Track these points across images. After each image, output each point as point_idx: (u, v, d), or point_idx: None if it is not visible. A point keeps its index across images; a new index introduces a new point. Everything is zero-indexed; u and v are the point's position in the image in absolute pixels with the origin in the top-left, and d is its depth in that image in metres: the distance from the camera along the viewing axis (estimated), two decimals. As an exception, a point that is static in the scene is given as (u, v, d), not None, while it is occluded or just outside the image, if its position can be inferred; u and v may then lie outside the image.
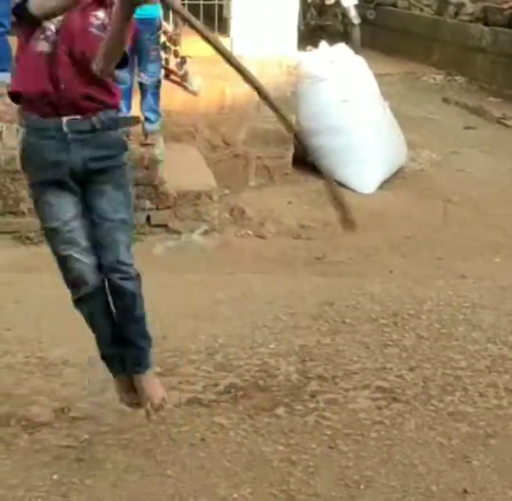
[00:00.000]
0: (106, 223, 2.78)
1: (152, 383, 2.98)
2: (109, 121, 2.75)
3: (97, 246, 2.80)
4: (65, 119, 2.69)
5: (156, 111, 6.06)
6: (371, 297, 4.50)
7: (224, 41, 6.89)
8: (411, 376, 3.64)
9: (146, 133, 5.98)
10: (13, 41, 5.82)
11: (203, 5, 6.93)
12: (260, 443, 3.07)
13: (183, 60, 6.33)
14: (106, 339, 2.94)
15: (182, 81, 6.42)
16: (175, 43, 6.06)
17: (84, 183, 2.78)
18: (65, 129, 2.69)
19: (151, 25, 5.72)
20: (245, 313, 4.32)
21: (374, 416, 3.31)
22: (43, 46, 2.62)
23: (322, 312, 4.30)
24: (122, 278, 2.83)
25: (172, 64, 6.47)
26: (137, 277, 2.89)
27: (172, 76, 6.40)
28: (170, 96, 6.41)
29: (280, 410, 3.31)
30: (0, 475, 2.85)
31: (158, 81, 6.03)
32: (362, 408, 3.36)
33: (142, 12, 5.56)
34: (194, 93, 6.51)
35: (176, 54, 6.25)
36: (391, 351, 3.87)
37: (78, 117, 2.69)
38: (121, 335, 2.94)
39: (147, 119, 6.01)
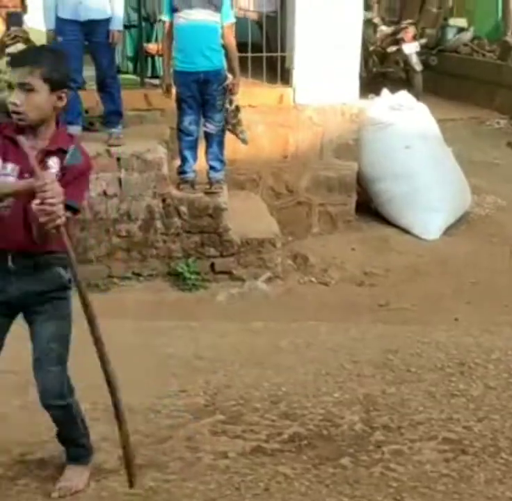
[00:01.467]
0: (37, 352, 2.92)
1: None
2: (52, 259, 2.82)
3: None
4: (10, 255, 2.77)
5: (221, 160, 6.17)
6: (436, 345, 4.44)
7: (287, 91, 7.04)
8: (479, 427, 3.55)
9: (211, 182, 6.09)
10: (85, 95, 6.09)
11: (266, 57, 7.07)
12: (324, 494, 3.03)
13: (237, 109, 6.45)
14: None
15: (232, 130, 6.52)
16: (232, 92, 6.19)
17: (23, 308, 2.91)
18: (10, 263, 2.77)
19: (219, 76, 5.89)
20: (309, 361, 4.30)
21: (441, 468, 3.23)
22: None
23: (386, 360, 4.26)
24: (54, 413, 3.03)
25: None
26: (67, 407, 3.05)
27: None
28: (234, 144, 6.53)
29: (345, 460, 3.26)
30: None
31: (223, 130, 6.16)
32: (429, 460, 3.29)
33: (210, 64, 5.78)
34: (244, 142, 6.61)
35: (231, 103, 6.37)
36: (458, 401, 3.79)
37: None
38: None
39: (212, 168, 6.12)
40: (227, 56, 5.90)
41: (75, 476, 3.09)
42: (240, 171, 6.86)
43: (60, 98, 2.66)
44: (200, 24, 5.70)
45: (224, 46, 5.86)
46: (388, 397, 3.83)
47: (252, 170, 7.03)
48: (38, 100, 2.60)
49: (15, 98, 2.60)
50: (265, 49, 7.20)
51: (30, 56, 2.72)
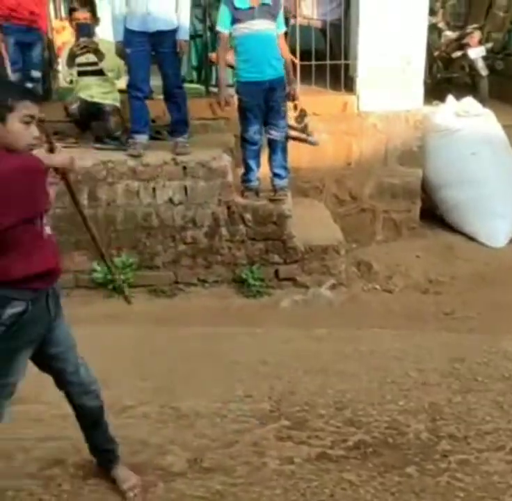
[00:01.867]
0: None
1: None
2: None
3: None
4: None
5: (285, 167, 6.21)
6: (504, 354, 4.39)
7: (350, 99, 7.05)
8: (548, 438, 3.51)
9: (276, 189, 6.13)
10: (152, 105, 6.22)
11: (330, 65, 7.10)
12: (390, 502, 3.04)
13: (303, 113, 6.48)
14: None
15: (301, 134, 6.55)
16: (294, 98, 6.23)
17: None
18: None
19: (282, 82, 5.94)
20: (373, 368, 4.30)
21: (509, 479, 3.20)
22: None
23: (452, 369, 4.23)
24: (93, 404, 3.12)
25: (290, 119, 6.62)
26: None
27: (290, 132, 6.54)
28: (297, 152, 6.56)
29: (411, 469, 3.26)
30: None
31: (286, 137, 6.20)
32: (496, 471, 3.26)
33: (275, 72, 5.83)
34: (314, 144, 6.63)
35: (296, 108, 6.41)
36: (526, 412, 3.75)
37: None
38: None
39: (277, 175, 6.17)
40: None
41: (130, 474, 3.22)
42: (304, 179, 6.89)
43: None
44: (264, 33, 5.76)
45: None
46: (454, 406, 3.81)
47: (315, 177, 7.05)
48: None
49: None
50: (329, 57, 7.22)
51: None
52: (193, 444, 3.54)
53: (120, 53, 5.91)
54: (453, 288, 6.08)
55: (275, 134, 6.07)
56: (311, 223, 6.43)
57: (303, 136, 6.57)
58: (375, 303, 5.87)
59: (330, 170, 7.08)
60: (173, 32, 5.78)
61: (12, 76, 5.99)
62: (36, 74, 6.28)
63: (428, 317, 5.58)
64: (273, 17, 5.79)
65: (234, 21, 5.73)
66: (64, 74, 6.23)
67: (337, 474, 3.24)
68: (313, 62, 6.98)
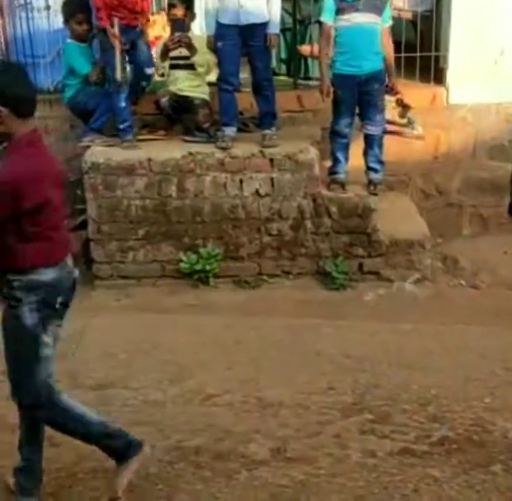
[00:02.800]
0: None
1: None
2: None
3: None
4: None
5: (381, 162, 6.20)
6: None
7: (440, 91, 6.94)
8: None
9: (374, 183, 6.13)
10: (240, 97, 6.28)
11: (420, 56, 7.00)
12: (475, 500, 3.02)
13: (406, 108, 6.43)
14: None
15: (404, 129, 6.51)
16: (394, 92, 6.17)
17: None
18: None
19: (378, 77, 5.91)
20: (459, 365, 4.26)
21: None
22: None
23: (541, 368, 4.15)
24: None
25: (392, 114, 6.57)
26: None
27: (388, 126, 6.49)
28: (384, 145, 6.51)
29: (496, 468, 3.23)
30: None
31: (384, 131, 6.17)
32: None
33: (370, 66, 5.81)
34: (419, 137, 6.58)
35: (397, 103, 6.36)
36: None
37: None
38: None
39: (372, 169, 6.16)
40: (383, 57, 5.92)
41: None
42: (389, 172, 6.80)
43: (23, 116, 2.71)
44: (365, 27, 5.73)
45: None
46: (543, 406, 3.74)
47: (401, 171, 6.97)
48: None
49: None
50: (419, 49, 7.11)
51: None
52: (277, 433, 3.59)
53: (211, 47, 5.99)
54: (543, 286, 5.94)
55: (372, 129, 6.04)
56: (396, 217, 6.37)
57: (406, 131, 6.54)
58: (460, 299, 5.78)
59: (416, 164, 6.98)
60: (264, 25, 5.82)
61: (121, 76, 6.00)
62: (149, 71, 6.29)
63: (515, 315, 5.46)
64: (379, 10, 5.75)
65: (337, 11, 5.73)
66: (156, 67, 6.34)
67: (420, 470, 3.23)
68: (403, 55, 6.89)
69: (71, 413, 2.99)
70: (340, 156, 6.09)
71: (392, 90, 6.19)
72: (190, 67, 6.19)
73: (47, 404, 2.95)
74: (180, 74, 6.21)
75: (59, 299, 2.89)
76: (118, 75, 5.91)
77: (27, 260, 2.80)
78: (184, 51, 6.13)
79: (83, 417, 3.01)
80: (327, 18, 5.83)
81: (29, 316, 2.83)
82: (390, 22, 5.97)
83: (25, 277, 2.81)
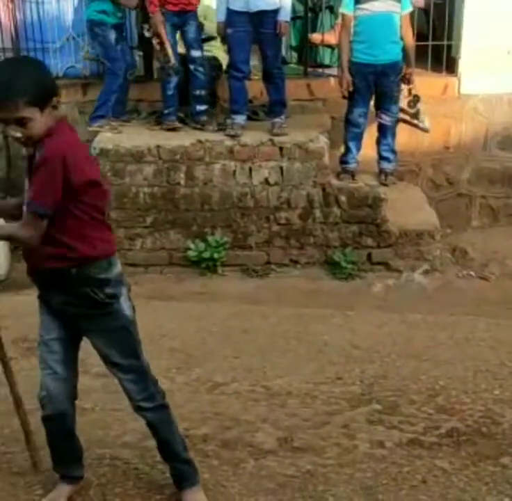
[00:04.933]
0: (108, 366, 2.82)
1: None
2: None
3: None
4: None
5: (393, 151, 6.19)
6: None
7: (451, 81, 6.89)
8: None
9: (386, 173, 6.11)
10: (250, 85, 6.24)
11: (432, 45, 6.95)
12: (484, 492, 2.99)
13: (416, 98, 6.39)
14: (58, 460, 2.93)
15: (412, 119, 6.48)
16: (409, 82, 6.14)
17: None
18: None
19: (395, 67, 5.87)
20: (468, 356, 4.23)
21: None
22: None
23: (551, 360, 4.12)
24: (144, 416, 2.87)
25: (403, 103, 6.54)
26: (156, 409, 2.87)
27: (401, 115, 6.46)
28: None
29: (506, 460, 3.19)
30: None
31: (397, 121, 6.15)
32: None
33: (387, 56, 5.77)
34: (425, 130, 6.56)
35: (409, 93, 6.34)
36: None
37: None
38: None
39: (384, 158, 6.14)
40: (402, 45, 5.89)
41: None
42: (400, 162, 6.77)
43: (54, 107, 2.53)
44: (384, 15, 5.71)
45: (400, 36, 5.85)
46: (552, 398, 3.71)
47: (411, 161, 6.95)
48: (36, 125, 2.47)
49: (14, 133, 2.48)
50: (431, 38, 7.06)
51: (9, 88, 2.41)
52: (284, 423, 3.57)
53: (221, 34, 5.95)
54: (553, 278, 5.91)
55: (387, 119, 6.04)
56: (406, 207, 6.34)
57: (414, 121, 6.52)
58: (470, 290, 5.76)
59: (427, 154, 6.96)
60: (274, 12, 5.78)
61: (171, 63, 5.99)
62: (196, 53, 6.18)
63: (525, 307, 5.44)
64: None
65: (357, 1, 5.70)
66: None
67: (429, 461, 3.21)
68: (414, 44, 6.83)
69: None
70: (352, 145, 6.06)
71: (408, 81, 6.15)
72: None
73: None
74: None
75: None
76: (171, 60, 5.97)
77: (102, 249, 2.60)
78: None
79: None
80: (348, 9, 5.80)
81: (126, 307, 2.69)
82: (411, 8, 5.94)
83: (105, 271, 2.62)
